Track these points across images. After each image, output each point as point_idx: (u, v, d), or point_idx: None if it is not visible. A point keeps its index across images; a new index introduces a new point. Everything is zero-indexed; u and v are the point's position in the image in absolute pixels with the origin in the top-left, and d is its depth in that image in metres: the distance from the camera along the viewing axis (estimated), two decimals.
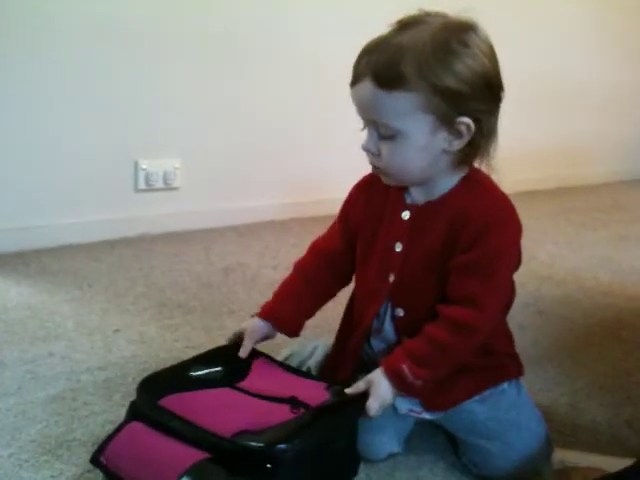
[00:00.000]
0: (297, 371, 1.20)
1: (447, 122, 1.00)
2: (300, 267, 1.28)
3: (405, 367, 1.03)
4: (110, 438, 1.01)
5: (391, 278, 1.12)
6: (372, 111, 1.01)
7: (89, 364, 1.40)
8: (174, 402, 1.03)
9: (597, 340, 1.68)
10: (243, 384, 1.11)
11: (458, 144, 1.02)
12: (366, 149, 1.05)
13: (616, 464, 0.99)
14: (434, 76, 0.97)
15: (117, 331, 1.57)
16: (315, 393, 1.08)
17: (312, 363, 1.29)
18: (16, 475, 1.03)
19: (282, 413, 1.02)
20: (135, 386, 1.29)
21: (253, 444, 0.93)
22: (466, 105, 1.00)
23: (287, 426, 0.99)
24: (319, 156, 2.77)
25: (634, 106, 4.04)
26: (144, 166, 2.38)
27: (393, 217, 1.13)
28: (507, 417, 1.12)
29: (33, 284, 1.86)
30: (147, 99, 2.34)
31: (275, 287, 1.91)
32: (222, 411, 1.02)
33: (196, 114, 2.45)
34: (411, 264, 1.10)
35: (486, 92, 1.02)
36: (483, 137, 1.03)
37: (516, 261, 1.09)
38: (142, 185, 2.40)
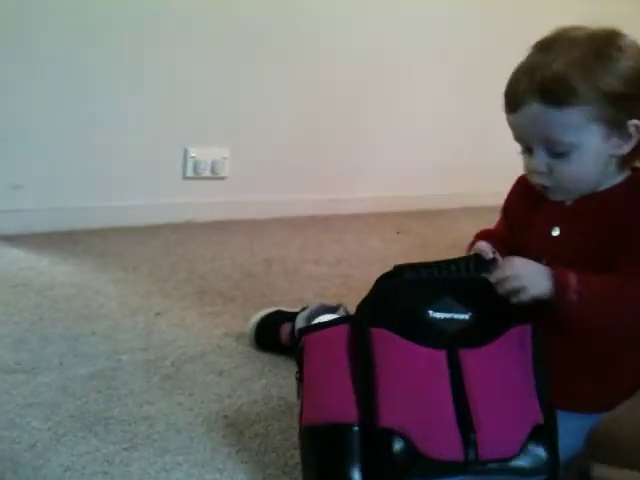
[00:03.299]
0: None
1: (618, 127, 1.02)
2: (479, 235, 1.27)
3: (572, 275, 0.99)
4: (325, 326, 1.03)
5: (544, 260, 1.11)
6: (543, 130, 1.02)
7: (130, 344, 1.42)
8: (381, 339, 0.96)
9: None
10: (469, 358, 0.95)
11: (628, 147, 1.03)
12: (536, 171, 1.06)
13: None
14: (603, 84, 0.99)
15: (159, 314, 1.59)
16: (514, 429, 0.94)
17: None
18: (53, 448, 1.05)
19: (450, 445, 0.91)
20: (174, 369, 1.32)
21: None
22: (634, 106, 1.02)
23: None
24: (366, 154, 2.76)
25: None
26: (193, 154, 2.41)
27: (554, 204, 1.13)
28: None
29: (79, 263, 1.90)
30: (201, 88, 2.35)
31: (316, 282, 1.92)
32: (400, 390, 0.94)
33: (248, 106, 2.46)
34: (566, 249, 1.10)
35: None
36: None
37: None
38: (190, 173, 2.42)
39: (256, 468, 1.04)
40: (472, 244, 1.21)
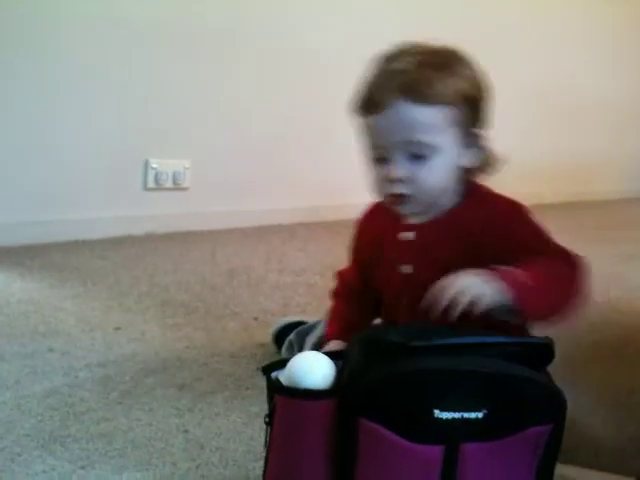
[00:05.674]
0: None
1: (467, 135, 1.03)
2: (338, 294, 1.28)
3: (511, 269, 0.94)
4: (305, 395, 0.84)
5: (404, 300, 1.12)
6: (408, 130, 1.00)
7: (88, 361, 1.39)
8: (368, 433, 0.81)
9: (602, 356, 1.66)
10: (471, 452, 0.82)
11: (469, 158, 1.04)
12: (396, 178, 1.02)
13: None
14: (460, 86, 1.00)
15: (118, 329, 1.56)
16: None
17: (312, 338, 1.30)
18: (8, 469, 1.02)
19: None
20: (133, 385, 1.30)
21: None
22: (478, 114, 1.04)
23: None
24: (328, 162, 2.76)
25: None
26: (154, 165, 2.39)
27: (396, 238, 1.12)
28: None
29: (37, 279, 1.86)
30: (161, 99, 2.34)
31: (280, 292, 1.91)
32: None
33: (208, 116, 2.45)
34: (421, 284, 1.06)
35: (485, 99, 1.05)
36: (486, 148, 1.06)
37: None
38: (151, 184, 2.40)
39: None
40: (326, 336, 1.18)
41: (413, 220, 1.10)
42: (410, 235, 1.10)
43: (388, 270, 1.13)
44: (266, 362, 0.96)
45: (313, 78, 2.65)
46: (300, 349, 1.32)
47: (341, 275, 1.29)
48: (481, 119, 1.05)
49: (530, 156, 3.30)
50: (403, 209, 1.07)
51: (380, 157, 1.04)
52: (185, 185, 2.47)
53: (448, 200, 1.08)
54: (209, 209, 2.53)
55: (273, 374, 0.89)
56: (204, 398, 1.26)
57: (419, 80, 0.99)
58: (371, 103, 1.02)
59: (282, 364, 0.89)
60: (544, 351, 0.89)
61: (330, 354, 0.89)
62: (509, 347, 0.87)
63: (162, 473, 1.03)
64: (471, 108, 1.02)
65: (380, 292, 1.20)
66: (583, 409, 1.38)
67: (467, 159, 1.04)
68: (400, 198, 1.05)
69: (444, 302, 0.89)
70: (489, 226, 1.04)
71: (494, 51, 3.09)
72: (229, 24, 2.43)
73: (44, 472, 1.02)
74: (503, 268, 0.95)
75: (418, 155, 1.01)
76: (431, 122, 0.99)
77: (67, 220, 2.23)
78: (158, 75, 2.32)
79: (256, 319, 1.69)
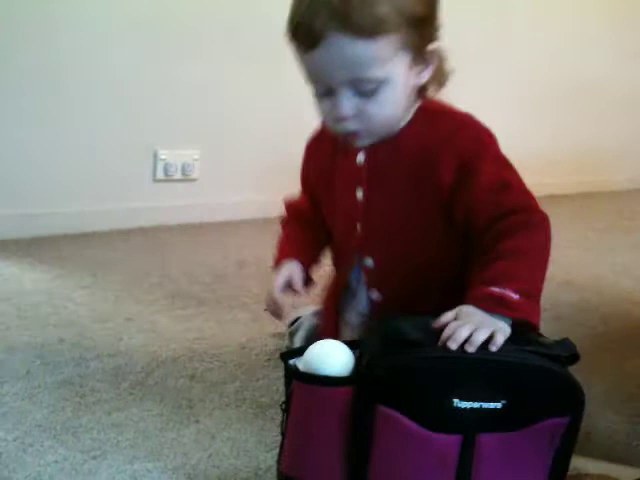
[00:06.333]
0: None
1: (420, 54, 0.95)
2: (288, 222, 1.27)
3: (495, 289, 0.88)
4: (323, 382, 0.84)
5: (358, 227, 1.08)
6: (350, 67, 0.90)
7: (99, 351, 1.39)
8: (385, 419, 0.81)
9: (615, 347, 1.65)
10: (488, 443, 0.82)
11: (427, 74, 0.98)
12: (344, 116, 0.94)
13: (631, 473, 0.97)
14: (406, 6, 0.89)
15: (129, 319, 1.57)
16: None
17: (301, 334, 1.30)
18: (20, 459, 1.03)
19: None
20: (144, 375, 1.30)
21: None
22: (431, 30, 0.96)
23: None
24: None
25: None
26: (163, 156, 2.38)
27: (347, 163, 1.07)
28: None
29: (48, 270, 1.86)
30: (169, 90, 2.33)
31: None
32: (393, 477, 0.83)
33: (217, 106, 2.44)
34: (376, 210, 1.05)
35: (438, 12, 0.97)
36: (442, 61, 1.00)
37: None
38: (160, 175, 2.39)
39: (228, 472, 1.02)
40: (278, 259, 1.18)
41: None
42: (361, 158, 1.05)
43: (343, 195, 1.09)
44: (277, 353, 0.96)
45: None
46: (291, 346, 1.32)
47: (290, 205, 1.27)
48: (431, 33, 0.96)
49: (539, 145, 3.28)
50: (357, 144, 1.02)
51: (324, 91, 0.95)
52: (194, 176, 2.47)
53: (400, 121, 1.01)
54: (218, 200, 2.52)
55: (291, 361, 0.89)
56: (215, 388, 1.26)
57: (362, 9, 0.86)
58: (304, 35, 0.91)
59: (300, 352, 0.89)
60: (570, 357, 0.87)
61: (348, 342, 0.88)
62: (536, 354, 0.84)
63: (173, 463, 1.03)
64: (419, 26, 0.92)
65: (331, 222, 1.16)
66: (595, 400, 1.37)
67: (419, 78, 0.97)
68: (352, 135, 0.98)
69: (460, 339, 0.82)
70: (442, 150, 0.98)
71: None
72: (237, 20, 2.41)
73: (56, 462, 1.02)
74: (497, 292, 0.88)
75: (366, 90, 0.92)
76: (376, 55, 0.89)
77: (77, 212, 2.23)
78: (167, 66, 2.31)
79: (266, 310, 1.68)
